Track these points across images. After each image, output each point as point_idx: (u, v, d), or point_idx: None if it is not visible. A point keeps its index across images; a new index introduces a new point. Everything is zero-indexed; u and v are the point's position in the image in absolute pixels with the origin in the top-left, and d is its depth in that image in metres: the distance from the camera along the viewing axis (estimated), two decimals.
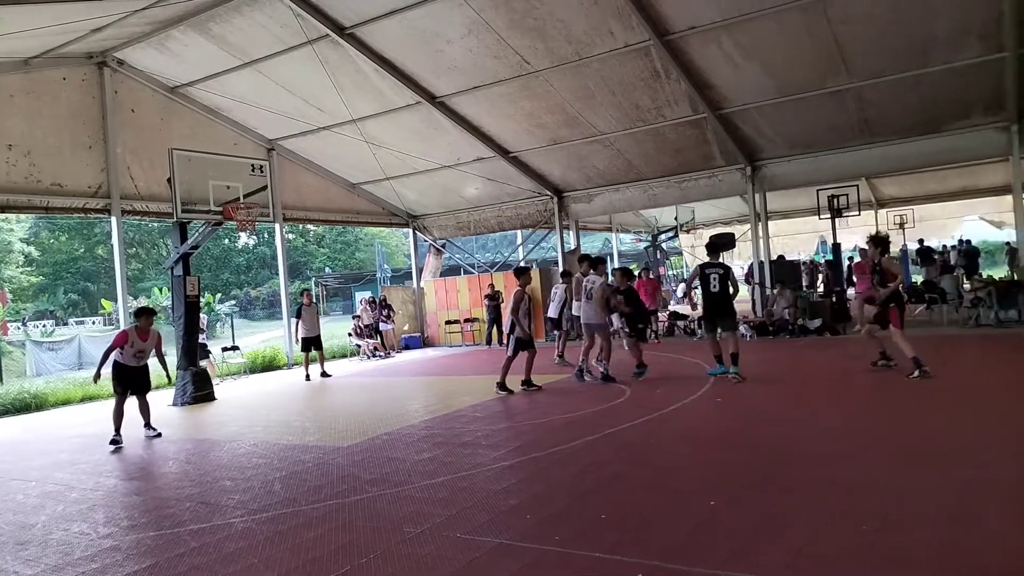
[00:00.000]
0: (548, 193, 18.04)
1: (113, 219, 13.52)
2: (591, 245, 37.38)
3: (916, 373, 8.26)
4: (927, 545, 3.65)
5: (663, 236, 24.60)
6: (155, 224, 36.26)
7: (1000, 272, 22.57)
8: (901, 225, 24.89)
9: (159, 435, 8.55)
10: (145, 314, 8.78)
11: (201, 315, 13.39)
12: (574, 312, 11.59)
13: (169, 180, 11.27)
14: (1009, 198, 17.68)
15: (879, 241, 8.82)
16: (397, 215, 20.32)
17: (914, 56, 11.63)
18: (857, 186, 16.33)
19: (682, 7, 11.05)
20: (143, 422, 8.62)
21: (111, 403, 8.56)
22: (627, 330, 11.20)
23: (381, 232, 44.72)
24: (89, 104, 13.23)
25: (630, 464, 5.75)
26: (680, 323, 16.61)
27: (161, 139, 13.81)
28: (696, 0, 10.86)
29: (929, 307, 15.06)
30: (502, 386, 9.77)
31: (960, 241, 24.62)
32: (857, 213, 16.73)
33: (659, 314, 16.61)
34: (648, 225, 25.75)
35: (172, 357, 11.14)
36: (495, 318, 17.50)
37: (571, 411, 8.09)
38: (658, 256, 26.20)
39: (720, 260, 9.73)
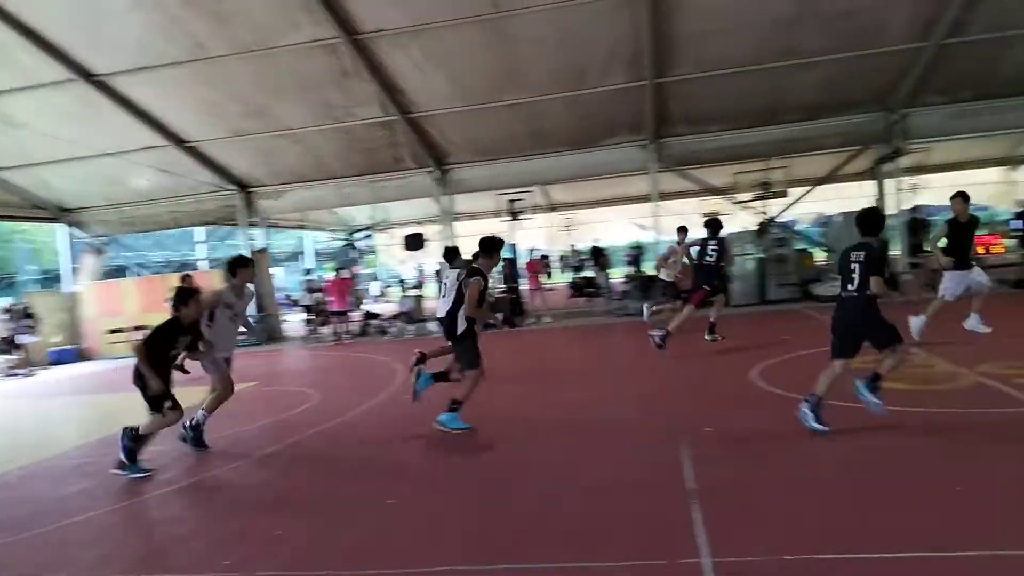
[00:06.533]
0: (233, 187, 16.84)
1: None
2: (284, 243, 35.86)
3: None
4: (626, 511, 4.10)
5: (358, 235, 24.57)
6: None
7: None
8: (568, 227, 28.10)
9: None
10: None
11: None
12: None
13: None
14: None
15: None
16: (44, 208, 17.32)
17: (574, 78, 13.08)
18: (534, 191, 17.97)
19: (371, 7, 11.04)
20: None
21: None
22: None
23: (22, 227, 37.76)
24: None
25: (311, 475, 5.57)
26: (373, 322, 16.62)
27: None
28: (384, 2, 10.97)
29: (589, 299, 17.16)
30: None
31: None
32: (532, 216, 18.43)
33: (349, 314, 16.33)
34: (345, 223, 25.48)
35: None
36: None
37: (251, 423, 7.61)
38: (352, 255, 26.02)
39: None
